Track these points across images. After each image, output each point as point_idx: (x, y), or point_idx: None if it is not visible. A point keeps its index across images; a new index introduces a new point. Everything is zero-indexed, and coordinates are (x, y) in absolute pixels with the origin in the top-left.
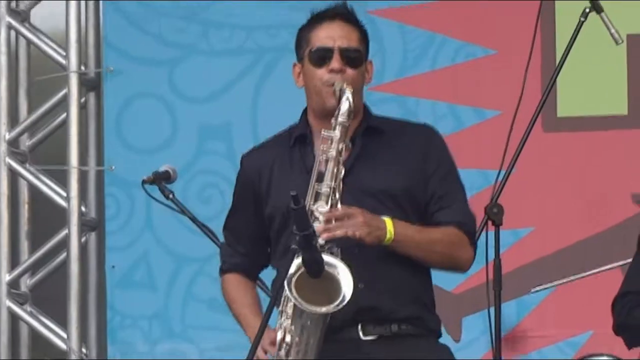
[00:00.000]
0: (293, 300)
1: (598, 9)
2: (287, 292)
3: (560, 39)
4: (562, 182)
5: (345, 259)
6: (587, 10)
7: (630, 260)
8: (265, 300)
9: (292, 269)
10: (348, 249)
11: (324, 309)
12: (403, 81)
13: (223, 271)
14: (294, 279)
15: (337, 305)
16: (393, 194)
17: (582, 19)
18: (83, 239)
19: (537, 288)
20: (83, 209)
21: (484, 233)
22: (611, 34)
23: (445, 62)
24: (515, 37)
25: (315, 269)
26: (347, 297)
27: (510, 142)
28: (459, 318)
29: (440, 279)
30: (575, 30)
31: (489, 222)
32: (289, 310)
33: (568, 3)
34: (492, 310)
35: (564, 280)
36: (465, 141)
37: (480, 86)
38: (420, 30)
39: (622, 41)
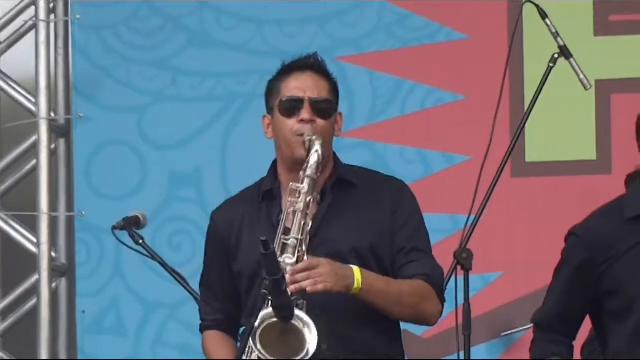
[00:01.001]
0: (257, 353)
1: (567, 55)
2: (251, 344)
3: (529, 84)
4: (531, 226)
5: (310, 314)
6: (556, 55)
7: None
8: None
9: (258, 322)
10: (311, 311)
11: None
12: (372, 127)
13: (202, 328)
14: (259, 331)
15: (301, 359)
16: (360, 253)
17: (551, 65)
18: (54, 285)
19: (507, 332)
20: (53, 254)
21: (453, 278)
22: (580, 80)
23: (414, 107)
24: (484, 82)
25: (285, 314)
26: (311, 352)
27: (479, 187)
28: None
29: (409, 324)
30: (544, 76)
31: (459, 267)
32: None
33: (536, 48)
34: (462, 354)
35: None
36: (435, 186)
37: (449, 131)
38: (389, 76)
39: (591, 86)
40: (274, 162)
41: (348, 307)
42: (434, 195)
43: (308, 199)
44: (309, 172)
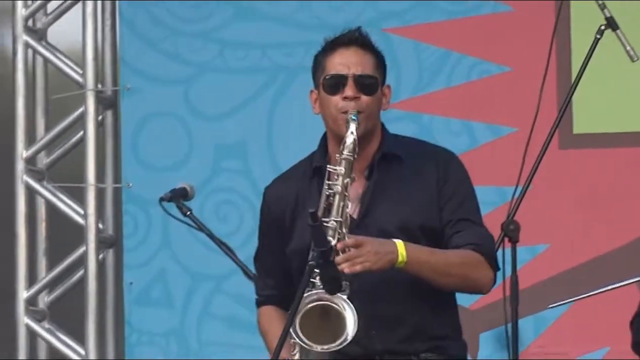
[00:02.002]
0: (295, 338)
1: (614, 26)
2: (292, 328)
3: (576, 56)
4: (578, 198)
5: (355, 301)
6: (603, 27)
7: None
8: None
9: (300, 305)
10: (363, 293)
11: (319, 348)
12: (418, 99)
13: (258, 304)
14: (300, 315)
15: (338, 344)
16: (408, 231)
17: (598, 36)
18: (100, 256)
19: (554, 304)
20: (100, 226)
21: (500, 250)
22: (627, 51)
23: (460, 79)
24: (531, 54)
25: (332, 286)
26: (350, 337)
27: (526, 159)
28: (476, 334)
29: (458, 296)
30: (590, 47)
31: (506, 239)
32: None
33: (584, 20)
34: (509, 326)
35: (581, 297)
36: (481, 158)
37: (496, 103)
38: (435, 47)
39: (638, 58)
40: (324, 136)
41: (396, 289)
42: (481, 167)
43: (345, 181)
44: (345, 153)
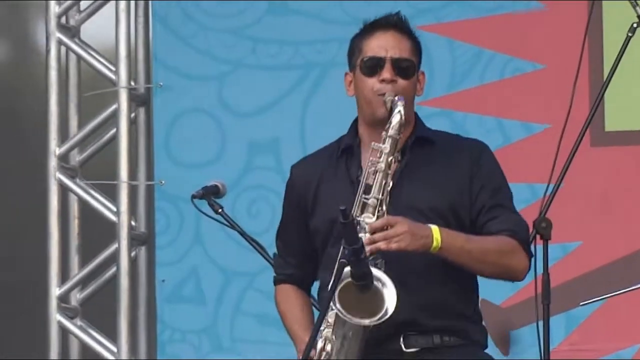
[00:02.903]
0: (336, 310)
1: None
2: (331, 304)
3: (608, 53)
4: (610, 196)
5: (389, 272)
6: (635, 25)
7: None
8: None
9: (337, 280)
10: (391, 263)
11: (366, 321)
12: (451, 96)
13: (276, 282)
14: (338, 289)
15: (379, 318)
16: (439, 211)
17: (630, 34)
18: (133, 254)
19: (586, 302)
20: (133, 223)
21: (532, 247)
22: None
23: (493, 77)
24: (563, 51)
25: (364, 282)
26: (390, 312)
27: (558, 157)
28: (507, 332)
29: (489, 293)
30: (623, 45)
31: (538, 236)
32: (330, 320)
33: (616, 17)
34: (540, 323)
35: (612, 294)
36: (513, 155)
37: (528, 100)
38: (468, 45)
39: None
40: (355, 120)
41: (422, 264)
42: (513, 165)
43: (390, 159)
44: (391, 132)
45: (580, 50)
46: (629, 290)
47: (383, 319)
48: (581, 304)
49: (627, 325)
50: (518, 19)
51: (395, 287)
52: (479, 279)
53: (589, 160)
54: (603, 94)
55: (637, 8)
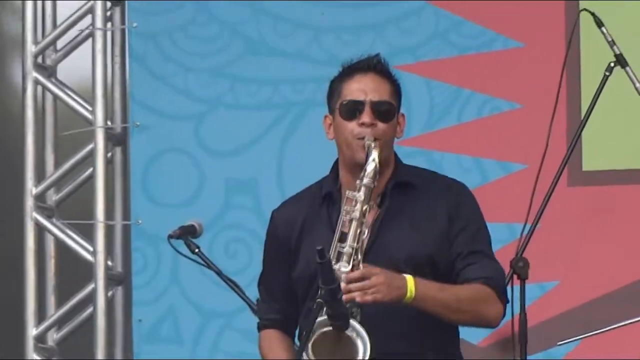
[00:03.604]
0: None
1: (623, 63)
2: (304, 353)
3: (586, 93)
4: (587, 235)
5: (364, 324)
6: (612, 64)
7: None
8: None
9: (312, 330)
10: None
11: None
12: (429, 135)
13: (260, 328)
14: (312, 339)
15: None
16: (415, 261)
17: (607, 73)
18: (110, 293)
19: (564, 341)
20: (109, 263)
21: (509, 287)
22: (636, 88)
23: (471, 116)
24: (541, 91)
25: (340, 323)
26: None
27: (536, 196)
28: None
29: (466, 332)
30: (600, 84)
31: (515, 276)
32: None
33: (594, 57)
34: None
35: (591, 334)
36: (491, 195)
37: (506, 140)
38: (446, 84)
39: None
40: (336, 162)
41: (401, 317)
42: (491, 204)
43: (364, 208)
44: (365, 180)
45: (557, 88)
46: (607, 330)
47: None
48: (559, 343)
49: None
50: (496, 57)
51: (370, 338)
52: None
53: (566, 200)
54: (580, 133)
55: (615, 47)
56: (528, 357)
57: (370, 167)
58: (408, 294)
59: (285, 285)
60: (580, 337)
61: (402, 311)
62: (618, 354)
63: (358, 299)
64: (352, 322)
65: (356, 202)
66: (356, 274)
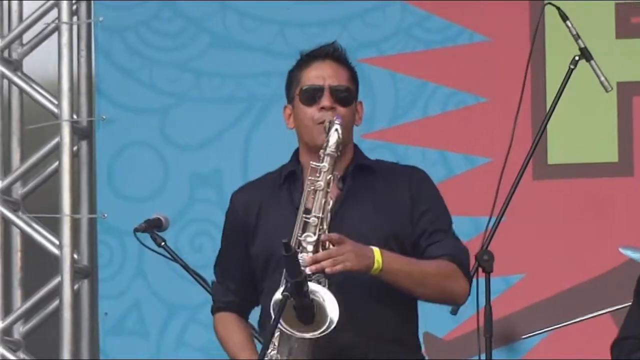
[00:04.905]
0: (280, 327)
1: (587, 57)
2: (274, 320)
3: (551, 86)
4: (552, 229)
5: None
6: (577, 58)
7: (620, 306)
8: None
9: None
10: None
11: (309, 335)
12: (394, 129)
13: (215, 310)
14: (282, 306)
15: (324, 330)
16: (380, 237)
17: (572, 67)
18: (76, 287)
19: (528, 335)
20: (75, 256)
21: (474, 280)
22: (601, 82)
23: (436, 110)
24: (506, 84)
25: (306, 315)
26: (334, 323)
27: (501, 189)
28: None
29: (432, 326)
30: (565, 78)
31: (480, 269)
32: (276, 341)
33: (558, 50)
34: (482, 357)
35: (555, 327)
36: (456, 188)
37: (471, 133)
38: (411, 78)
39: (612, 88)
40: (296, 150)
41: (363, 286)
42: (456, 198)
43: (328, 177)
44: (328, 150)
45: (522, 82)
46: (572, 323)
47: (328, 331)
48: (523, 337)
49: (570, 357)
50: (461, 51)
51: (337, 301)
52: (422, 311)
53: (531, 193)
54: (545, 127)
55: (579, 41)
56: (493, 351)
57: (333, 138)
58: (375, 265)
59: (242, 266)
60: (545, 330)
61: (365, 284)
62: (583, 347)
63: (328, 270)
64: (318, 287)
65: (320, 172)
66: (322, 237)
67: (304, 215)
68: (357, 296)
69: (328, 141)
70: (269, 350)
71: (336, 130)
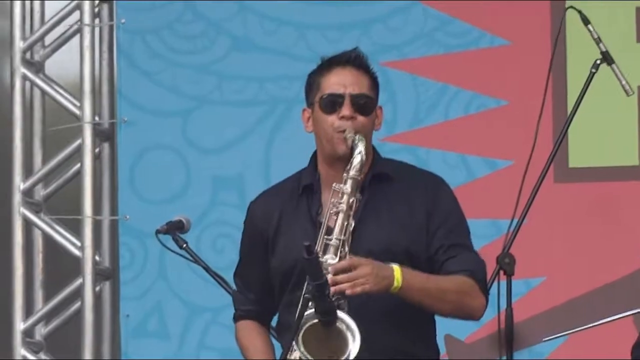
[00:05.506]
0: (299, 353)
1: (609, 61)
2: (294, 345)
3: (572, 90)
4: (573, 232)
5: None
6: (598, 61)
7: None
8: (278, 347)
9: (301, 316)
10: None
11: None
12: (415, 132)
13: (236, 318)
14: (302, 331)
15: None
16: (393, 253)
17: (593, 71)
18: (97, 288)
19: (549, 337)
20: (97, 258)
21: (495, 283)
22: (622, 85)
23: (458, 113)
24: (527, 88)
25: (328, 318)
26: (353, 355)
27: (522, 193)
28: None
29: (453, 329)
30: (586, 82)
31: (501, 272)
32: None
33: (579, 54)
34: (504, 359)
35: (576, 330)
36: (477, 191)
37: (492, 137)
38: (432, 81)
39: (633, 92)
40: (314, 155)
41: (379, 308)
42: (477, 201)
43: (351, 200)
44: (352, 173)
45: (544, 86)
46: (593, 326)
47: None
48: (544, 339)
49: None
50: (483, 55)
51: (360, 330)
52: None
53: (552, 196)
54: (566, 130)
55: (601, 45)
56: (514, 353)
57: (357, 160)
58: (395, 284)
59: (261, 277)
60: (566, 333)
61: (382, 304)
62: (603, 350)
63: (348, 291)
64: (341, 314)
65: (343, 194)
66: (343, 263)
67: (325, 237)
68: (374, 321)
69: (352, 163)
70: None
71: (360, 152)
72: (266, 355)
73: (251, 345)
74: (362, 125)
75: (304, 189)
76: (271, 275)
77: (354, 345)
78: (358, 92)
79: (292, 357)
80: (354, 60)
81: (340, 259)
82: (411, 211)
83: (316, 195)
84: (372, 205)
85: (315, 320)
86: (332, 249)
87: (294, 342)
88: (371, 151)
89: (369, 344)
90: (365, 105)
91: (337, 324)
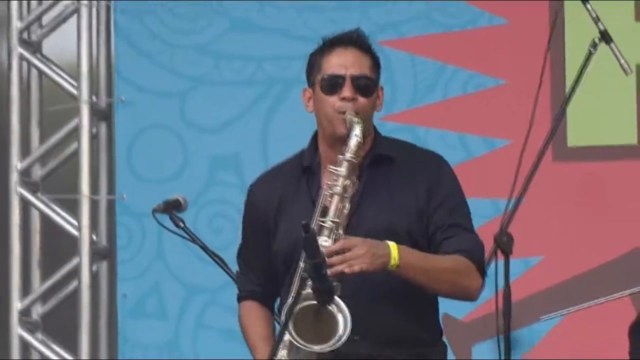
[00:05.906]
0: (289, 335)
1: (607, 39)
2: (285, 325)
3: (570, 69)
4: (571, 211)
5: (345, 299)
6: (596, 40)
7: (639, 288)
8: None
9: (298, 294)
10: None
11: (316, 348)
12: (413, 111)
13: (240, 299)
14: (295, 312)
15: (332, 345)
16: (394, 234)
17: (591, 50)
18: (94, 268)
19: (547, 316)
20: (94, 237)
21: (493, 262)
22: (620, 64)
23: (456, 92)
24: (525, 67)
25: (324, 297)
26: (343, 339)
27: (520, 172)
28: (469, 346)
29: (451, 308)
30: (584, 61)
31: (499, 251)
32: (287, 341)
33: (577, 33)
34: (501, 338)
35: (574, 309)
36: (475, 171)
37: (491, 116)
38: (430, 60)
39: (632, 71)
40: (315, 134)
41: (378, 291)
42: (475, 180)
43: (346, 182)
44: (347, 155)
45: (542, 65)
46: (591, 305)
47: (335, 347)
48: (542, 318)
49: (588, 340)
50: (481, 34)
51: (351, 314)
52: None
53: (551, 175)
54: (565, 109)
55: (599, 24)
56: (512, 332)
57: (353, 142)
58: (392, 261)
59: (263, 259)
60: (564, 312)
61: (382, 285)
62: (601, 329)
63: (346, 270)
64: (337, 298)
65: (338, 176)
66: (336, 246)
67: (319, 219)
68: (375, 298)
69: (348, 146)
70: (282, 347)
71: (356, 135)
72: (265, 337)
73: (250, 326)
74: (362, 106)
75: (304, 170)
76: (273, 257)
77: (344, 328)
78: (359, 73)
79: (285, 338)
80: (355, 40)
81: (335, 241)
82: (412, 192)
83: (316, 176)
84: (373, 187)
85: (308, 302)
86: (326, 231)
87: (287, 324)
88: (372, 132)
89: (370, 325)
90: (366, 86)
91: (331, 307)
